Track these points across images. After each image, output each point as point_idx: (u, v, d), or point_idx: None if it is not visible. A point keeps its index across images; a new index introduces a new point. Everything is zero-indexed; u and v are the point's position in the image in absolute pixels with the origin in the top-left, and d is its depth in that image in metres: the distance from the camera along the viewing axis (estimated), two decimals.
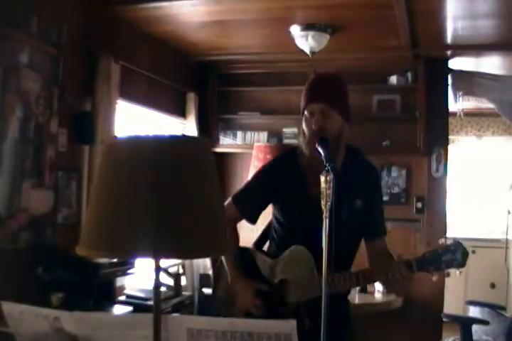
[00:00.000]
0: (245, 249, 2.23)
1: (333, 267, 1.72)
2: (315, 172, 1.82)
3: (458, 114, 4.60)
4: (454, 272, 1.89)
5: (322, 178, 1.66)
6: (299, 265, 2.00)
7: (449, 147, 4.59)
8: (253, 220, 2.17)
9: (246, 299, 2.06)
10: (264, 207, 2.17)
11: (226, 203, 2.12)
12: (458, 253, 1.84)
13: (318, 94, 1.98)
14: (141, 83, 3.96)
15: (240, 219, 2.18)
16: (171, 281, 3.74)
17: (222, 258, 2.15)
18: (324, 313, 1.59)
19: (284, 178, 2.08)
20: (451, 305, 4.85)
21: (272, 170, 2.16)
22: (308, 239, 1.94)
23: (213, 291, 2.29)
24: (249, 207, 2.15)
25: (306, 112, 2.00)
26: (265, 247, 2.34)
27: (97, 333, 1.17)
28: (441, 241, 1.91)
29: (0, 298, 1.28)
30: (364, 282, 1.97)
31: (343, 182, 1.70)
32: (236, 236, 2.20)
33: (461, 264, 1.85)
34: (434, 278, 1.89)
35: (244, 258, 2.15)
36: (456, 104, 4.53)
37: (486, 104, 4.85)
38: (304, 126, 2.01)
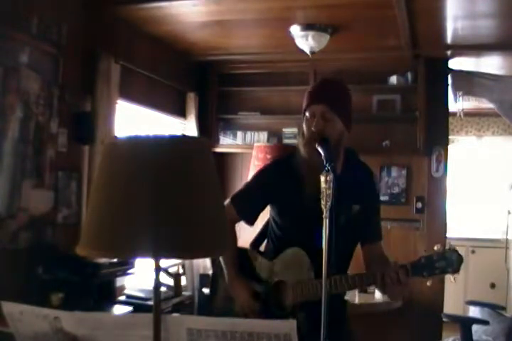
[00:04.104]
0: (242, 250, 2.22)
1: (333, 268, 1.72)
2: (312, 173, 1.85)
3: (458, 114, 4.60)
4: (448, 278, 1.85)
5: (322, 178, 1.64)
6: (296, 267, 2.00)
7: (449, 147, 4.59)
8: (251, 221, 2.16)
9: (243, 301, 2.06)
10: (262, 209, 2.16)
11: (225, 204, 2.10)
12: (452, 260, 1.82)
13: (321, 96, 1.97)
14: (141, 83, 3.96)
15: (238, 221, 2.17)
16: (171, 281, 3.74)
17: (221, 258, 2.15)
18: (324, 315, 1.58)
19: (281, 180, 2.07)
20: (451, 305, 4.85)
21: (270, 172, 2.16)
22: (306, 240, 1.95)
23: (211, 291, 2.29)
24: (247, 208, 2.14)
25: (307, 113, 1.99)
26: (262, 247, 2.34)
27: (97, 333, 1.17)
28: (437, 246, 1.88)
29: (0, 298, 1.28)
30: (361, 285, 1.94)
31: (342, 187, 1.69)
32: (234, 238, 2.19)
33: (455, 270, 1.83)
34: (429, 282, 1.85)
35: (242, 258, 2.15)
36: (456, 104, 4.52)
37: (486, 104, 4.85)
38: (303, 127, 2.00)
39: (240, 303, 2.07)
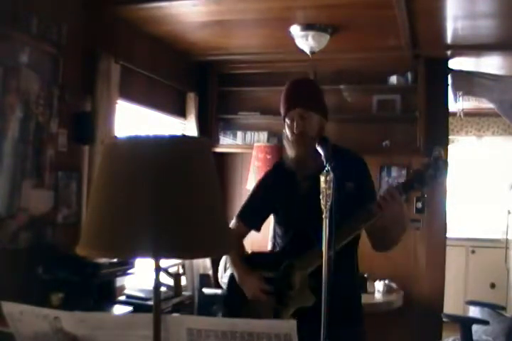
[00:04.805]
0: (248, 255, 2.34)
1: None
2: (302, 168, 2.12)
3: (458, 114, 4.60)
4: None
5: (322, 178, 1.68)
6: (299, 246, 2.08)
7: (449, 147, 4.59)
8: (257, 228, 2.31)
9: (253, 286, 2.14)
10: (266, 215, 2.30)
11: (232, 221, 2.29)
12: (438, 166, 1.91)
13: (294, 101, 2.13)
14: (141, 83, 3.95)
15: (247, 233, 2.32)
16: (171, 281, 3.74)
17: (228, 264, 2.28)
18: (324, 315, 1.59)
19: (277, 183, 2.23)
20: (451, 305, 4.85)
21: (265, 180, 2.33)
22: (306, 229, 2.02)
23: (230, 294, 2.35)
24: (252, 217, 2.29)
25: (287, 119, 2.15)
26: None
27: (97, 333, 1.17)
28: (424, 161, 1.99)
29: (0, 298, 1.28)
30: (364, 220, 1.97)
31: (333, 168, 1.74)
32: (241, 248, 2.33)
33: (444, 174, 1.92)
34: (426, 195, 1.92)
35: (248, 262, 2.25)
36: (456, 104, 4.52)
37: (486, 104, 4.85)
38: (287, 131, 2.16)
39: (252, 292, 2.13)
